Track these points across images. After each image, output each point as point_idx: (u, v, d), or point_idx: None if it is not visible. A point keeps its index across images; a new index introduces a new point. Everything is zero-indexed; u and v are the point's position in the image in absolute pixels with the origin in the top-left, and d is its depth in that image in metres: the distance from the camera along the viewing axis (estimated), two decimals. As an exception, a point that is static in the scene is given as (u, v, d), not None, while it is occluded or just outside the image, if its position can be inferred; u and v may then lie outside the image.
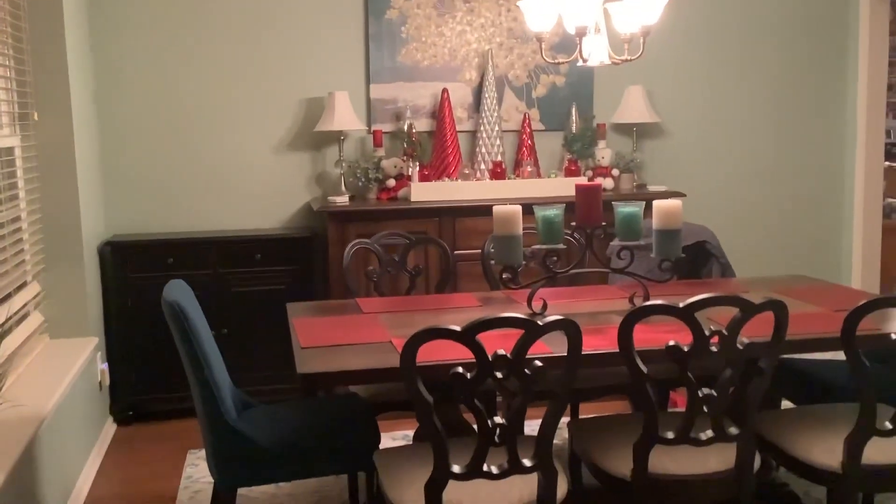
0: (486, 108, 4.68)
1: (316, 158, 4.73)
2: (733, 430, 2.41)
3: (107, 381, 4.22)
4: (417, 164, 4.53)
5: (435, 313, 3.13)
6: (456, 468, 2.20)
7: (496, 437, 2.18)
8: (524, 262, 2.94)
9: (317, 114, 4.59)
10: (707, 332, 2.28)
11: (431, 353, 2.21)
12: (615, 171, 4.81)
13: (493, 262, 3.27)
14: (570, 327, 2.18)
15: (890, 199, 6.11)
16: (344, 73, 4.68)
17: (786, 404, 3.32)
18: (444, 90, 4.67)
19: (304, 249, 4.44)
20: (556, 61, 3.38)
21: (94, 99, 4.41)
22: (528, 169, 4.66)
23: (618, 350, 2.32)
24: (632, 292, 3.12)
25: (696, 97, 5.11)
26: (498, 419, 2.18)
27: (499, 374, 2.13)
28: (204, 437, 2.72)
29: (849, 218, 5.35)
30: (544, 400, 2.26)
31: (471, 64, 4.80)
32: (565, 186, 4.43)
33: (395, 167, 4.53)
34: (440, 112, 4.66)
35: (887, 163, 6.00)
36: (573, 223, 3.00)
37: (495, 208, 2.92)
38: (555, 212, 2.94)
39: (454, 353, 2.23)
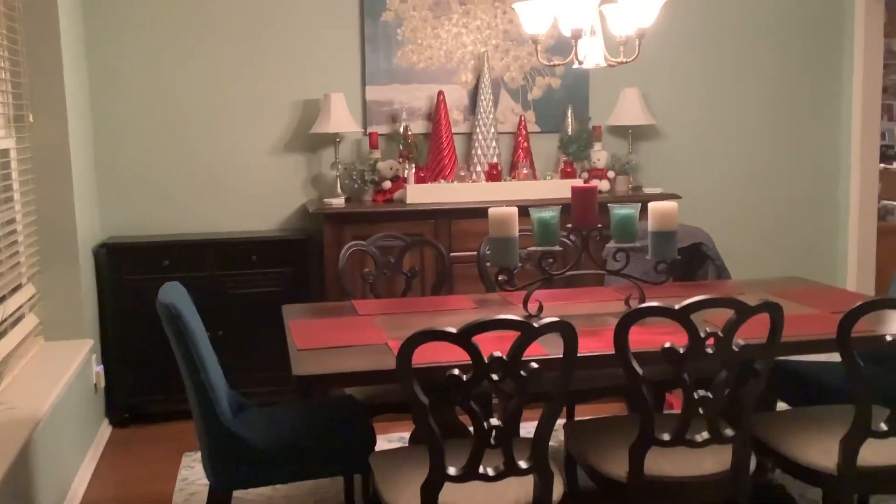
0: (481, 110, 4.68)
1: (312, 160, 4.73)
2: (729, 432, 2.41)
3: (102, 384, 4.21)
4: (413, 166, 4.53)
5: (431, 315, 3.13)
6: (452, 470, 2.20)
7: (492, 439, 2.18)
8: (520, 264, 2.93)
9: (313, 116, 4.59)
10: (703, 334, 2.28)
11: (427, 355, 2.21)
12: (611, 173, 4.81)
13: (488, 264, 3.27)
14: (565, 329, 2.18)
15: (885, 201, 6.12)
16: (340, 75, 4.68)
17: (781, 406, 3.32)
18: (440, 92, 4.67)
19: (300, 251, 4.44)
20: (552, 63, 3.38)
21: (90, 100, 4.41)
22: (524, 171, 4.66)
23: (614, 352, 2.32)
24: (627, 294, 3.12)
25: (692, 99, 5.12)
26: (494, 421, 2.18)
27: (495, 376, 2.13)
28: (200, 440, 2.72)
29: (844, 220, 5.36)
30: (540, 402, 2.26)
31: (467, 66, 4.80)
32: (561, 188, 4.43)
33: (391, 169, 4.53)
34: (436, 114, 4.66)
35: (882, 165, 6.01)
36: (569, 225, 3.00)
37: (491, 210, 2.92)
38: (551, 214, 2.94)
39: (450, 355, 2.23)
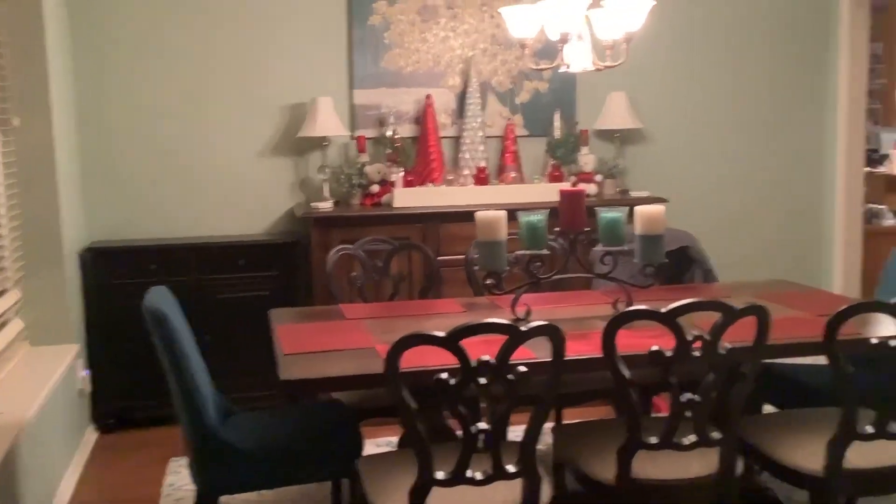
0: (469, 113, 4.69)
1: (299, 164, 4.72)
2: (716, 435, 2.42)
3: (88, 389, 4.19)
4: (401, 169, 4.52)
5: (418, 319, 3.13)
6: (440, 474, 2.19)
7: (480, 443, 2.18)
8: (508, 268, 2.94)
9: (300, 119, 4.58)
10: (690, 338, 2.28)
11: (415, 359, 2.20)
12: (598, 177, 4.82)
13: (476, 267, 3.28)
14: (553, 333, 2.18)
15: (870, 205, 6.16)
16: (327, 79, 4.68)
17: (768, 409, 3.33)
18: (428, 96, 4.67)
19: (288, 255, 4.42)
20: (540, 67, 3.39)
21: (76, 103, 4.39)
22: (512, 175, 4.67)
23: (601, 355, 2.32)
24: (615, 298, 3.12)
25: (679, 104, 5.14)
26: (482, 425, 2.18)
27: (483, 380, 2.13)
28: (186, 445, 2.71)
29: (830, 223, 5.39)
30: (528, 405, 2.26)
31: (454, 70, 4.80)
32: (549, 192, 4.43)
33: (379, 173, 4.52)
34: (424, 118, 4.66)
35: (868, 168, 6.05)
36: (557, 229, 3.01)
37: (479, 214, 2.93)
38: (538, 217, 2.94)
39: (438, 359, 2.22)
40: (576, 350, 2.49)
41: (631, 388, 2.33)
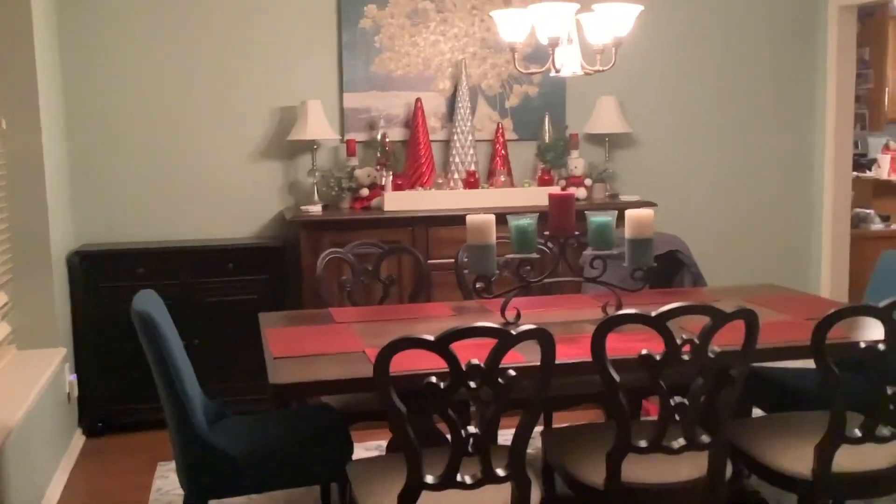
0: (459, 117, 4.69)
1: (289, 167, 4.71)
2: (705, 439, 2.42)
3: (75, 393, 4.16)
4: (391, 173, 4.52)
5: (408, 323, 3.13)
6: (429, 478, 2.19)
7: (469, 447, 2.17)
8: (497, 272, 2.94)
9: (290, 123, 4.58)
10: (679, 341, 2.29)
11: (405, 363, 2.20)
12: (588, 181, 4.83)
13: (466, 271, 3.27)
14: (543, 336, 2.18)
15: (858, 209, 6.19)
16: (317, 82, 4.67)
17: (757, 412, 3.34)
18: (418, 100, 4.67)
19: (277, 259, 4.42)
20: (529, 71, 3.39)
21: (64, 107, 4.37)
22: (502, 178, 4.67)
23: (591, 359, 2.32)
24: (605, 301, 3.13)
25: (668, 108, 5.16)
26: (471, 429, 2.17)
27: (472, 384, 2.13)
28: (174, 449, 2.69)
29: (818, 227, 5.41)
30: (518, 409, 2.26)
31: (444, 73, 4.80)
32: (538, 196, 4.44)
33: (369, 176, 4.52)
34: (414, 121, 4.66)
35: (855, 173, 6.08)
36: (546, 232, 3.01)
37: (468, 218, 2.93)
38: (528, 221, 2.94)
39: (428, 363, 2.22)
40: (565, 354, 2.49)
41: (620, 391, 2.33)
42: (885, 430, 2.52)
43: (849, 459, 2.52)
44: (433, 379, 2.11)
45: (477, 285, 2.92)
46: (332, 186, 4.50)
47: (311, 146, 4.54)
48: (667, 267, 3.80)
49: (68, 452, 3.96)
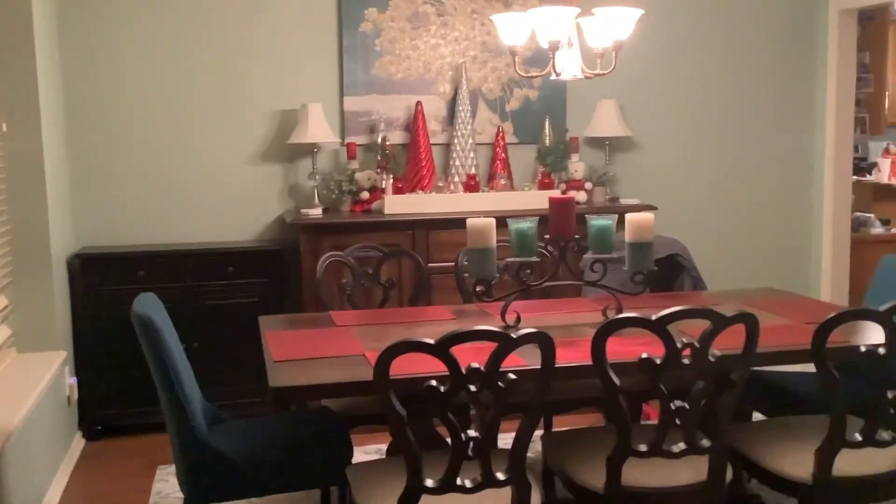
0: (459, 120, 4.69)
1: (289, 171, 4.71)
2: (705, 443, 2.42)
3: (75, 396, 4.16)
4: (391, 176, 4.52)
5: (408, 326, 3.13)
6: (429, 482, 2.19)
7: (470, 451, 2.17)
8: (498, 275, 2.93)
9: (290, 126, 4.58)
10: (679, 345, 2.29)
11: (405, 367, 2.20)
12: (588, 185, 4.83)
13: (466, 274, 3.27)
14: (543, 340, 2.18)
15: (858, 213, 6.19)
16: (318, 86, 4.67)
17: (757, 416, 3.34)
18: (418, 103, 4.67)
19: (277, 262, 4.42)
20: (530, 75, 3.39)
21: (64, 109, 4.37)
22: (502, 182, 4.67)
23: (591, 363, 2.32)
24: (605, 305, 3.12)
25: (668, 112, 5.16)
26: (471, 432, 2.17)
27: (472, 388, 2.12)
28: (174, 452, 2.69)
29: (818, 231, 5.41)
30: (518, 413, 2.26)
31: (444, 77, 4.81)
32: (539, 199, 4.44)
33: (369, 180, 4.52)
34: (414, 125, 4.66)
35: (855, 177, 6.08)
36: (546, 236, 3.01)
37: (469, 221, 2.93)
38: (528, 225, 2.94)
39: (428, 367, 2.22)
40: (565, 357, 2.49)
41: (620, 395, 2.33)
42: (885, 434, 2.52)
43: (849, 463, 2.52)
44: (433, 382, 2.11)
45: (477, 289, 2.92)
46: (332, 189, 4.50)
47: (311, 149, 4.54)
48: (667, 270, 3.80)
49: (68, 455, 3.96)
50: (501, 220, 3.04)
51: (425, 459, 2.18)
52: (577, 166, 4.81)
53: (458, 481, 2.20)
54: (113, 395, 4.25)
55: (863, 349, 2.46)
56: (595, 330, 2.31)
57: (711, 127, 5.23)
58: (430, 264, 4.19)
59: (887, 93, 7.29)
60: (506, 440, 2.26)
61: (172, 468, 3.69)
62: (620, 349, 2.47)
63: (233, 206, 4.65)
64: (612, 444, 2.39)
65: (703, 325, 2.31)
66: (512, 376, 2.15)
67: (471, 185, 4.58)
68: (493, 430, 2.20)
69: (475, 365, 2.11)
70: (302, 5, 4.62)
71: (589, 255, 3.04)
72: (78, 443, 4.19)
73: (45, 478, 3.53)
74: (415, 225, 4.36)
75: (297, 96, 4.61)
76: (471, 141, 4.69)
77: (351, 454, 2.79)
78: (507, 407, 2.17)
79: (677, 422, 2.36)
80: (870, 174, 7.20)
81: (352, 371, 2.52)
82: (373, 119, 4.72)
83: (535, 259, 2.96)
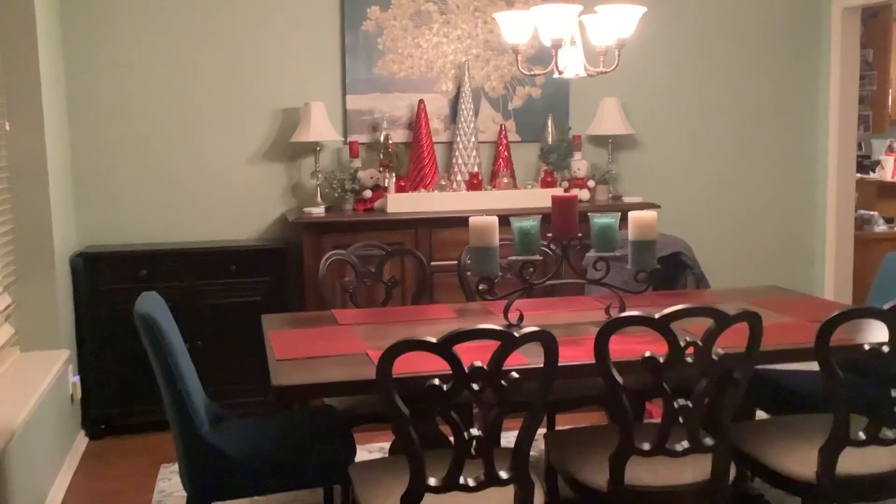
0: (462, 119, 4.69)
1: (292, 169, 4.71)
2: (709, 441, 2.42)
3: (78, 394, 4.17)
4: (394, 175, 4.52)
5: (411, 325, 3.12)
6: (432, 481, 2.19)
7: (472, 450, 2.17)
8: (500, 274, 2.93)
9: (293, 124, 4.58)
10: (682, 343, 2.28)
11: (407, 365, 2.20)
12: (591, 183, 4.83)
13: (469, 273, 3.27)
14: (546, 339, 2.18)
15: (861, 211, 6.18)
16: (320, 84, 4.67)
17: (760, 415, 3.33)
18: (421, 101, 4.67)
19: (280, 261, 4.42)
20: (532, 73, 3.39)
21: (67, 109, 4.37)
22: (505, 180, 4.67)
23: (594, 361, 2.32)
24: (608, 303, 3.12)
25: (671, 110, 5.15)
26: (474, 431, 2.17)
27: (475, 386, 2.12)
28: (177, 451, 2.69)
29: (821, 229, 5.40)
30: (521, 411, 2.25)
31: (447, 75, 4.80)
32: (541, 197, 4.44)
33: (372, 178, 4.52)
34: (416, 123, 4.66)
35: (859, 175, 6.07)
36: (549, 234, 3.00)
37: (472, 219, 2.92)
38: (531, 223, 2.94)
39: (430, 365, 2.22)
40: (568, 356, 2.48)
41: (623, 394, 2.33)
42: (889, 433, 2.52)
43: (853, 462, 2.52)
44: (436, 381, 2.11)
45: (480, 287, 2.92)
46: (334, 188, 4.50)
47: (314, 148, 4.54)
48: (670, 269, 3.80)
49: (71, 454, 3.96)
50: (504, 219, 3.04)
51: (428, 458, 2.18)
52: (579, 164, 4.80)
53: (461, 480, 2.20)
54: (116, 394, 4.26)
55: (867, 347, 2.46)
56: (598, 328, 2.31)
57: (714, 125, 5.22)
58: (432, 263, 4.19)
59: (890, 90, 7.28)
60: (509, 439, 2.26)
61: (176, 467, 3.70)
62: (623, 348, 2.47)
63: (235, 205, 4.65)
64: (616, 443, 2.38)
65: (707, 323, 2.31)
66: (515, 375, 2.14)
67: (473, 184, 4.58)
68: (496, 428, 2.20)
69: (478, 364, 2.11)
70: (304, 4, 4.62)
71: (592, 254, 3.04)
72: (81, 441, 4.19)
73: (48, 476, 3.54)
74: (417, 223, 4.36)
75: (299, 95, 4.61)
76: (473, 139, 4.69)
77: (354, 453, 2.79)
78: (510, 405, 2.17)
79: (680, 420, 2.36)
80: (873, 172, 7.19)
81: (354, 370, 2.52)
82: (375, 117, 4.72)
83: (537, 257, 2.96)
